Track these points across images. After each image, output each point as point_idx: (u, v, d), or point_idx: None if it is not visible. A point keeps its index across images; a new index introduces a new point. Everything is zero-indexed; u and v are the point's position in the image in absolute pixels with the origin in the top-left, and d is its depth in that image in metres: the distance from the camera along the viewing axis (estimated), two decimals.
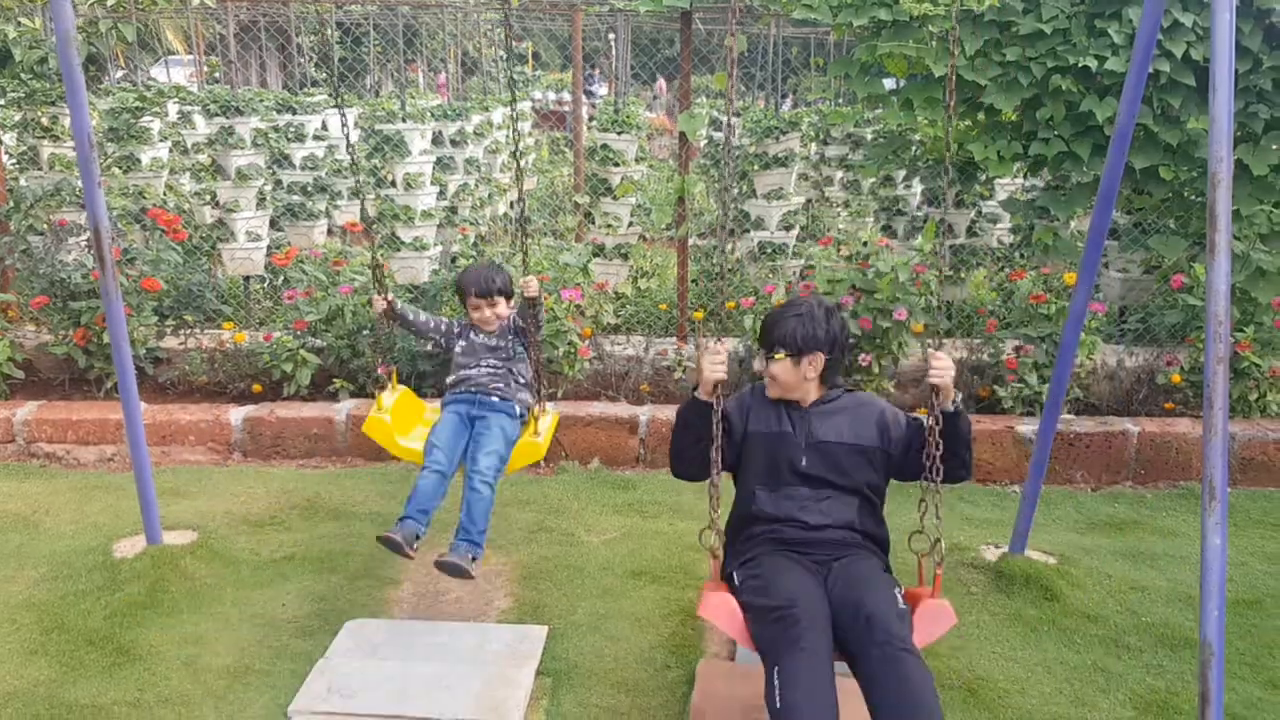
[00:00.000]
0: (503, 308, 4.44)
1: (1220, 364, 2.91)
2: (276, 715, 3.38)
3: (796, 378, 3.21)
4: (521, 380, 4.45)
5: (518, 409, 4.38)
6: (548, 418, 4.44)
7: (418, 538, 3.91)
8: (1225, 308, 2.90)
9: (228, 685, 3.54)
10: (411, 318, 4.56)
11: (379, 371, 4.63)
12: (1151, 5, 3.49)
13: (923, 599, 3.04)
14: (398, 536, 3.82)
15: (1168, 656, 3.85)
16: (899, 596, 2.98)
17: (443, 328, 4.58)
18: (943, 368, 3.05)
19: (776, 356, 3.20)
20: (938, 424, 3.04)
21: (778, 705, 2.68)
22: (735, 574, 3.17)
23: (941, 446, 3.04)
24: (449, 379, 4.52)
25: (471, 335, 4.49)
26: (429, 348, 4.77)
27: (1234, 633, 4.02)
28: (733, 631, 2.97)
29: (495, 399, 4.35)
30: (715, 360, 3.06)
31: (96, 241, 3.75)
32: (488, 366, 4.42)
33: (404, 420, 4.47)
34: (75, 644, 3.75)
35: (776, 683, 2.71)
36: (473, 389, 4.38)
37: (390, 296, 4.48)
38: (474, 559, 3.91)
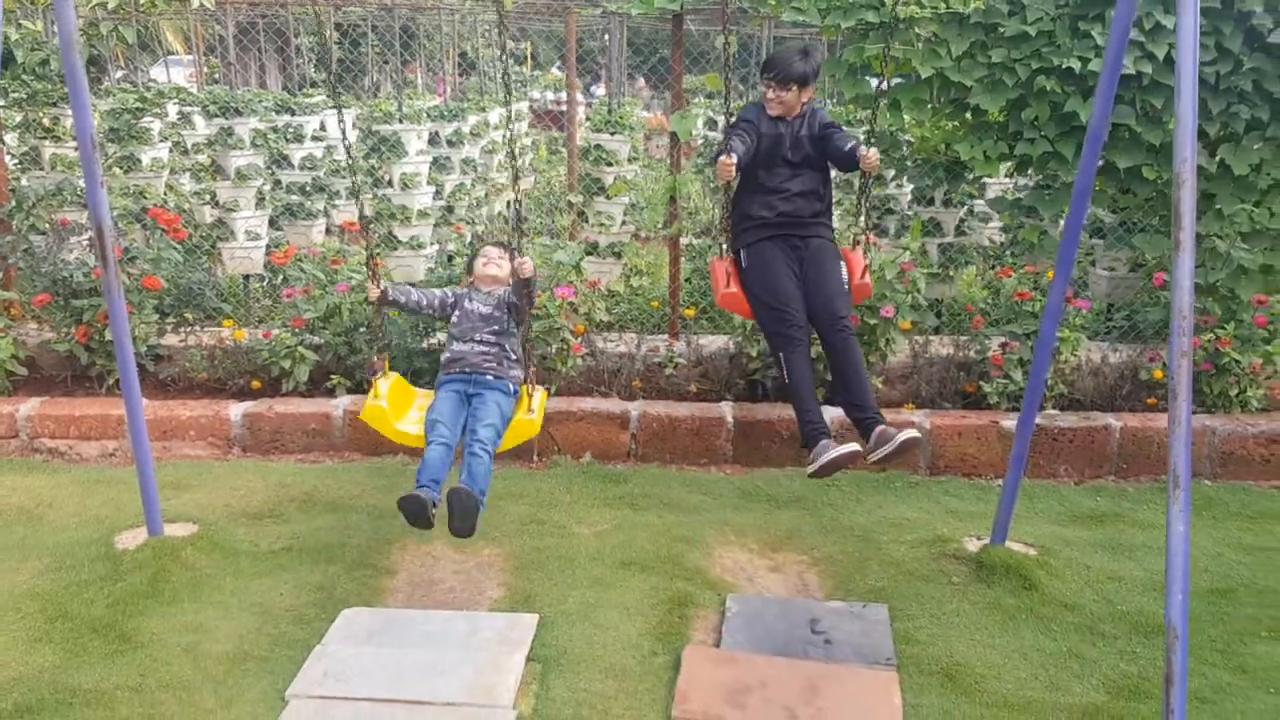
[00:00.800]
0: (508, 268, 4.77)
1: (1184, 357, 3.01)
2: (274, 699, 3.49)
3: (797, 102, 4.67)
4: (514, 356, 4.68)
5: (511, 386, 4.61)
6: (538, 394, 4.64)
7: (434, 504, 4.07)
8: (1189, 302, 3.00)
9: (227, 671, 3.65)
10: (404, 300, 4.78)
11: (374, 361, 4.80)
12: (1123, 9, 3.59)
13: (855, 279, 4.66)
14: (421, 494, 4.02)
15: (1141, 644, 3.96)
16: (843, 273, 4.62)
17: (436, 301, 4.82)
18: (873, 159, 4.46)
19: (791, 89, 4.61)
20: (866, 180, 4.86)
21: (789, 380, 4.43)
22: (741, 254, 4.70)
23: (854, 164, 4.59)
24: (444, 356, 4.72)
25: (467, 304, 4.75)
26: (425, 314, 4.95)
27: (1207, 620, 4.13)
28: (744, 315, 4.79)
29: (489, 378, 4.58)
30: (728, 169, 4.41)
31: (99, 240, 3.86)
32: (481, 344, 4.64)
33: (399, 406, 4.62)
34: (79, 631, 3.86)
35: (784, 364, 4.43)
36: (467, 369, 4.59)
37: (383, 285, 4.70)
38: (479, 508, 4.07)
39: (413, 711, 3.42)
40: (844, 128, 4.75)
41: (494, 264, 4.85)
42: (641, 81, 19.83)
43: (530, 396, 4.61)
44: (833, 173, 4.89)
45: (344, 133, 4.61)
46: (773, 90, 4.66)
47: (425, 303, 4.82)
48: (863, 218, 5.06)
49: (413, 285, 5.08)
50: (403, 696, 3.48)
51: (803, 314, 4.47)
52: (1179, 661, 2.99)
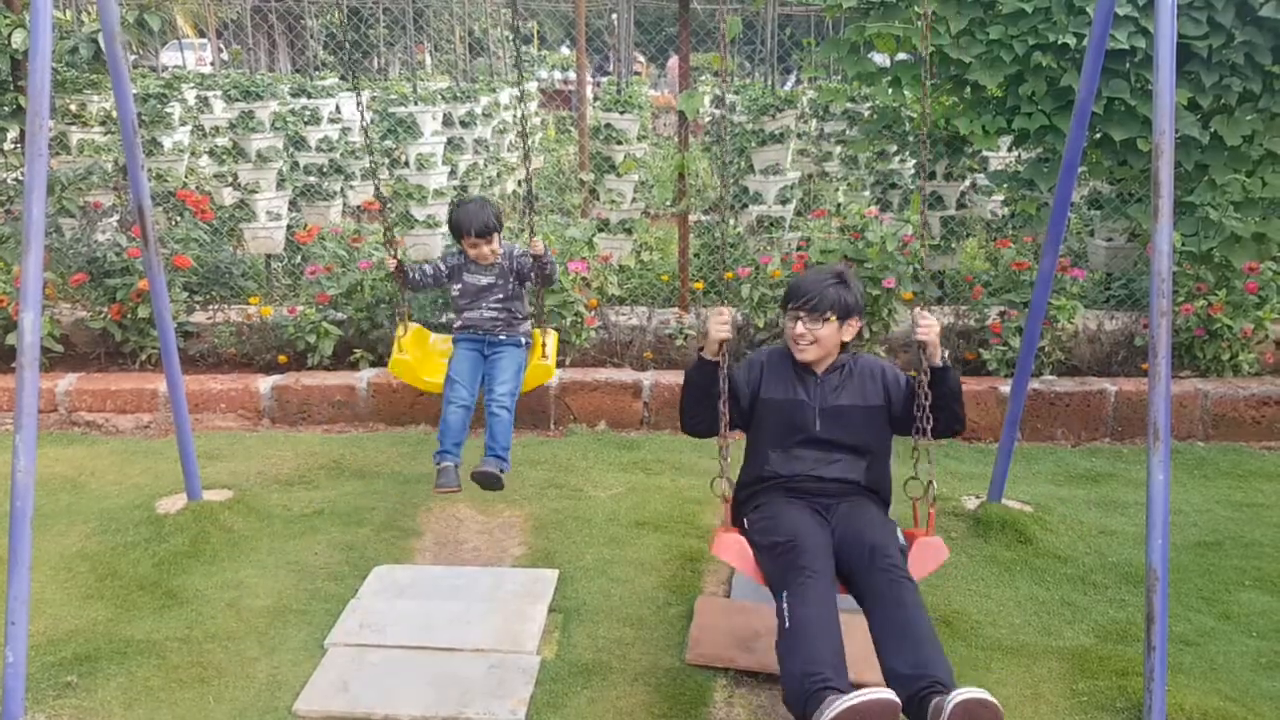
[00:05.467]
0: (497, 243, 4.85)
1: (1163, 317, 3.21)
2: (314, 648, 3.72)
3: (837, 340, 3.47)
4: (520, 315, 4.96)
5: (523, 339, 4.94)
6: (550, 339, 5.00)
7: (457, 466, 4.63)
8: (1168, 266, 3.20)
9: (269, 623, 3.89)
10: (415, 276, 5.01)
11: (399, 323, 5.16)
12: None
13: (917, 538, 3.39)
14: (447, 482, 4.55)
15: (1130, 592, 4.17)
16: (899, 534, 3.35)
17: (432, 275, 5.02)
18: (928, 325, 3.35)
19: (829, 319, 3.41)
20: (926, 376, 3.35)
21: (787, 625, 2.97)
22: (746, 519, 3.48)
23: (931, 398, 3.35)
24: (455, 321, 5.04)
25: (465, 277, 4.92)
26: (425, 290, 5.51)
27: (1194, 571, 4.35)
28: (744, 568, 3.31)
29: (502, 337, 4.88)
30: (720, 321, 3.35)
31: (141, 219, 4.08)
32: (489, 310, 4.89)
33: (421, 356, 5.10)
34: (128, 589, 4.10)
35: (785, 605, 3.01)
36: (480, 332, 4.89)
37: (400, 256, 4.98)
38: (502, 470, 4.61)
39: (444, 657, 3.65)
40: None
41: (483, 254, 4.86)
42: (673, 62, 19.89)
43: (543, 344, 4.96)
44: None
45: (362, 111, 4.92)
46: (803, 324, 3.43)
47: (431, 278, 5.03)
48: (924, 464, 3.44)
49: (424, 263, 5.31)
50: (434, 644, 3.72)
51: (823, 546, 3.23)
52: (1159, 601, 3.21)
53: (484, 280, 4.89)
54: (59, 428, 5.87)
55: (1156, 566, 3.21)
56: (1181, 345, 6.07)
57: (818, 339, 3.43)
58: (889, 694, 2.71)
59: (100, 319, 6.21)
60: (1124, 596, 4.15)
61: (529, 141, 5.39)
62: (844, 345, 3.52)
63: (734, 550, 3.33)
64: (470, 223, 4.77)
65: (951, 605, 4.06)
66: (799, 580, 3.06)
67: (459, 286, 4.94)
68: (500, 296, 4.89)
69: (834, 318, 3.41)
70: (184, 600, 4.04)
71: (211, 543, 4.46)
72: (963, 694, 2.68)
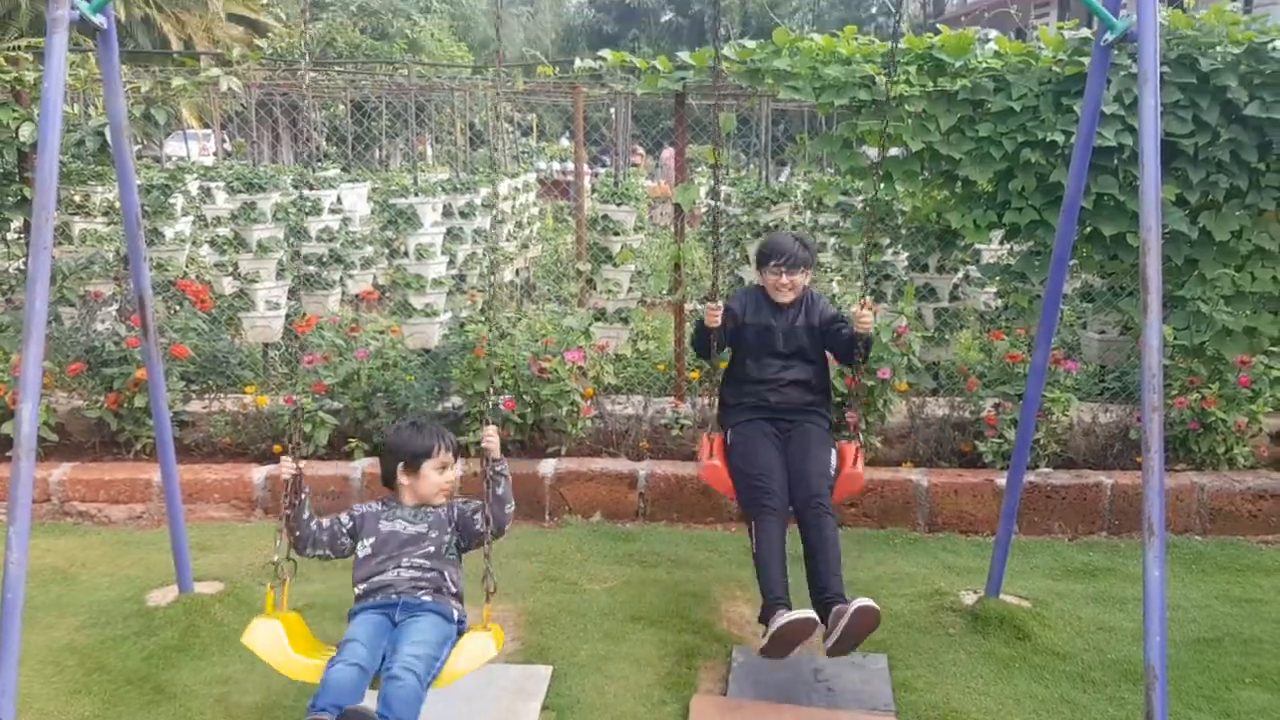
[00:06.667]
0: (458, 471, 3.73)
1: (1155, 412, 3.24)
2: None
3: (803, 285, 4.69)
4: (452, 586, 3.57)
5: (455, 614, 3.53)
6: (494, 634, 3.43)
7: None
8: (1157, 361, 3.24)
9: (258, 719, 3.83)
10: (305, 514, 3.63)
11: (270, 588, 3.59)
12: (1092, 91, 3.88)
13: (845, 468, 4.49)
14: None
15: (1129, 690, 4.12)
16: (832, 459, 4.47)
17: (328, 534, 3.63)
18: (867, 321, 4.47)
19: (800, 272, 4.63)
20: (856, 345, 4.54)
21: (755, 550, 4.20)
22: (729, 432, 4.59)
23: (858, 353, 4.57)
24: (357, 588, 3.55)
25: (383, 526, 3.58)
26: (314, 554, 3.66)
27: (1194, 669, 4.30)
28: (724, 491, 4.52)
29: (425, 598, 3.49)
30: (714, 314, 4.51)
31: (141, 311, 4.12)
32: (410, 569, 3.52)
33: (297, 638, 3.50)
34: (115, 683, 4.05)
35: (753, 533, 4.24)
36: (393, 595, 3.47)
37: (299, 465, 3.66)
38: None
39: None
40: (843, 316, 4.74)
41: (451, 469, 3.66)
42: (668, 152, 20.26)
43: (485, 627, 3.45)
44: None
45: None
46: (784, 275, 4.61)
47: (323, 535, 3.63)
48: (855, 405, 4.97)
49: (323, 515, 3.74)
50: None
51: (781, 486, 4.29)
52: (1158, 700, 3.18)
53: (412, 529, 3.56)
54: (51, 518, 5.84)
55: (1155, 664, 3.20)
56: (1176, 439, 6.08)
57: (795, 285, 4.64)
58: (810, 614, 3.88)
59: (96, 408, 6.22)
60: (1123, 694, 4.10)
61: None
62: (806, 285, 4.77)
63: (717, 480, 4.49)
64: (436, 435, 3.67)
65: (950, 703, 4.01)
66: (763, 516, 4.22)
67: (370, 541, 3.55)
68: (430, 550, 3.54)
69: (804, 270, 4.65)
70: (172, 695, 3.98)
71: (201, 637, 4.41)
72: (858, 602, 3.82)
